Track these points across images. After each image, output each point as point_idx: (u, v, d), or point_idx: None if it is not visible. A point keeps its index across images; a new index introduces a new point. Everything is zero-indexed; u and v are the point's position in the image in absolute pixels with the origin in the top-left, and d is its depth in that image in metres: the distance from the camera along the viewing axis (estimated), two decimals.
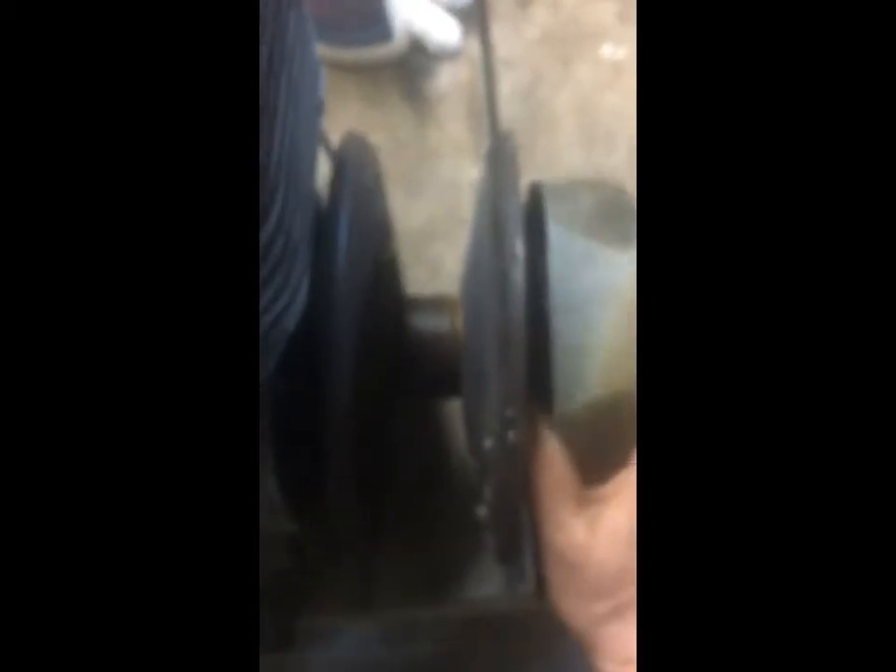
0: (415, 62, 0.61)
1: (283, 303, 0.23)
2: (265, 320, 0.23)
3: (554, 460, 0.32)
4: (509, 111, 0.59)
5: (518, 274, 0.29)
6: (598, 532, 0.31)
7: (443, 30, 0.60)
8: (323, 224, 0.30)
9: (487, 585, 0.46)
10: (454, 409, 0.49)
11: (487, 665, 0.90)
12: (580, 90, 0.60)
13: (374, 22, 0.58)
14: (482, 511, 0.33)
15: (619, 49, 0.61)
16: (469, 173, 0.58)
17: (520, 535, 0.32)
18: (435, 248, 0.55)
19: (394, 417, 0.39)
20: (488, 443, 0.30)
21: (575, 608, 0.32)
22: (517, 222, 0.30)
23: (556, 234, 0.32)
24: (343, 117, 0.61)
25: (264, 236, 0.21)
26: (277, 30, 0.22)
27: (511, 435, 0.29)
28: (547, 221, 0.32)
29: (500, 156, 0.33)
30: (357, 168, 0.33)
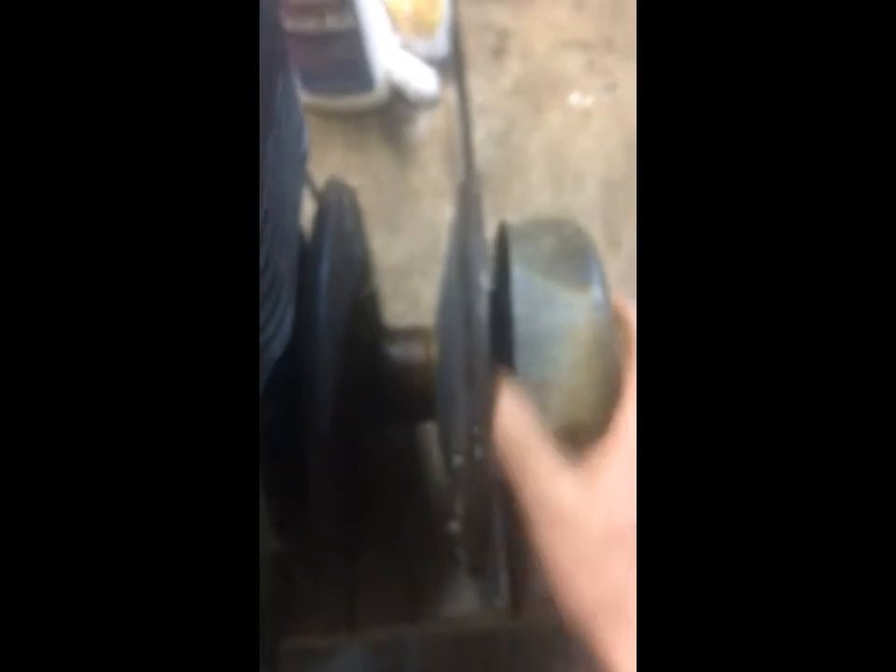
0: (396, 109, 0.65)
1: (270, 332, 0.26)
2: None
3: (526, 418, 0.31)
4: (484, 155, 0.63)
5: (482, 304, 0.32)
6: (592, 491, 0.29)
7: (422, 79, 0.64)
8: (307, 262, 0.33)
9: (466, 603, 0.48)
10: (430, 432, 0.51)
11: None
12: (550, 135, 0.64)
13: (357, 73, 0.62)
14: (454, 527, 0.36)
15: (586, 97, 0.65)
16: (447, 213, 0.61)
17: (490, 547, 0.35)
18: (413, 283, 0.58)
19: (373, 441, 0.41)
20: (457, 460, 0.33)
21: (572, 581, 0.28)
22: (482, 257, 0.33)
23: (519, 276, 0.34)
24: (329, 161, 0.64)
25: None
26: (267, 91, 0.25)
27: (478, 451, 0.31)
28: (511, 264, 0.35)
29: (467, 195, 0.36)
30: (337, 211, 0.36)
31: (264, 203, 0.24)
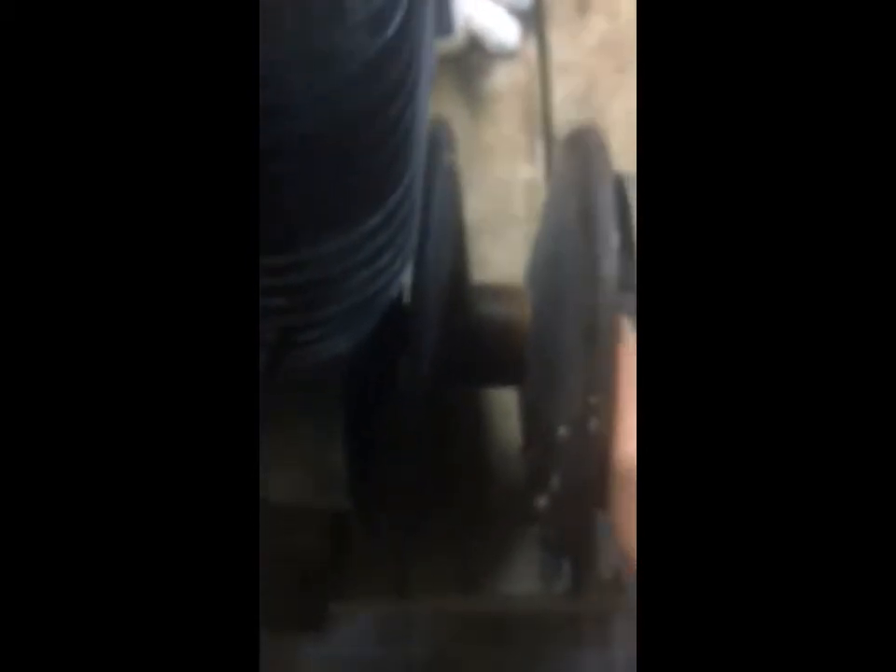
0: (473, 59, 0.61)
1: (396, 268, 0.23)
2: (379, 282, 0.23)
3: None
4: (563, 115, 0.60)
5: (611, 263, 0.29)
6: None
7: (503, 30, 0.61)
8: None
9: (522, 583, 0.45)
10: (494, 401, 0.49)
11: (484, 665, 0.90)
12: (633, 98, 0.61)
13: (437, 16, 0.59)
14: (541, 502, 0.33)
15: None
16: (521, 172, 0.58)
17: (587, 527, 0.32)
18: (483, 244, 0.55)
19: (457, 404, 0.39)
20: (563, 431, 0.30)
21: None
22: (610, 212, 0.30)
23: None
24: None
25: (395, 199, 0.21)
26: (418, 22, 0.22)
27: (594, 423, 0.29)
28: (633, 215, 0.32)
29: (589, 146, 0.33)
30: (447, 151, 0.33)
31: (416, 125, 0.21)
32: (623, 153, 0.59)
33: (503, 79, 0.61)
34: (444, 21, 0.59)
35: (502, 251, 0.54)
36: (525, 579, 0.45)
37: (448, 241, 0.33)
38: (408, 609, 0.79)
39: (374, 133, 0.20)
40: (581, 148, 0.34)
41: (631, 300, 0.31)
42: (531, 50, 0.62)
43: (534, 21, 0.63)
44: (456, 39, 0.60)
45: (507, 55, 0.61)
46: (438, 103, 0.60)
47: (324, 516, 0.40)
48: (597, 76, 0.61)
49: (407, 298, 0.28)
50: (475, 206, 0.57)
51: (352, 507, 0.35)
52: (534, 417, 0.35)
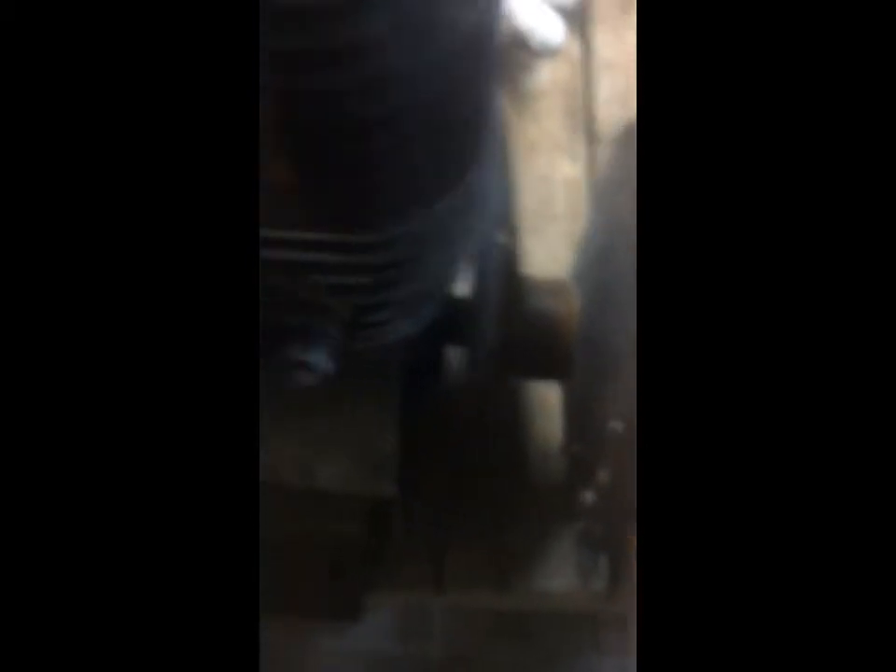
0: (517, 56, 0.61)
1: (468, 253, 0.23)
2: (450, 267, 0.23)
3: None
4: (606, 113, 0.59)
5: None
6: None
7: (547, 27, 0.60)
8: None
9: (554, 579, 0.45)
10: (534, 397, 0.48)
11: (502, 664, 0.89)
12: None
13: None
14: (587, 497, 0.33)
15: None
16: (563, 169, 0.58)
17: (628, 523, 0.32)
18: (526, 242, 0.55)
19: (500, 398, 0.39)
20: (615, 425, 0.30)
21: None
22: None
23: None
24: None
25: (473, 179, 0.21)
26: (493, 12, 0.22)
27: None
28: None
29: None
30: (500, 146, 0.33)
31: (482, 116, 0.21)
32: None
33: (547, 77, 0.61)
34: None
35: (544, 248, 0.54)
36: (558, 575, 0.45)
37: (502, 236, 0.33)
38: (428, 604, 0.79)
39: (468, 108, 0.19)
40: (629, 143, 0.33)
41: None
42: (575, 48, 0.62)
43: (578, 19, 0.63)
44: (500, 36, 0.60)
45: (551, 53, 0.61)
46: None
47: (366, 503, 0.41)
48: None
49: (464, 290, 0.28)
50: (517, 204, 0.57)
51: (397, 493, 0.35)
52: (581, 412, 0.35)
